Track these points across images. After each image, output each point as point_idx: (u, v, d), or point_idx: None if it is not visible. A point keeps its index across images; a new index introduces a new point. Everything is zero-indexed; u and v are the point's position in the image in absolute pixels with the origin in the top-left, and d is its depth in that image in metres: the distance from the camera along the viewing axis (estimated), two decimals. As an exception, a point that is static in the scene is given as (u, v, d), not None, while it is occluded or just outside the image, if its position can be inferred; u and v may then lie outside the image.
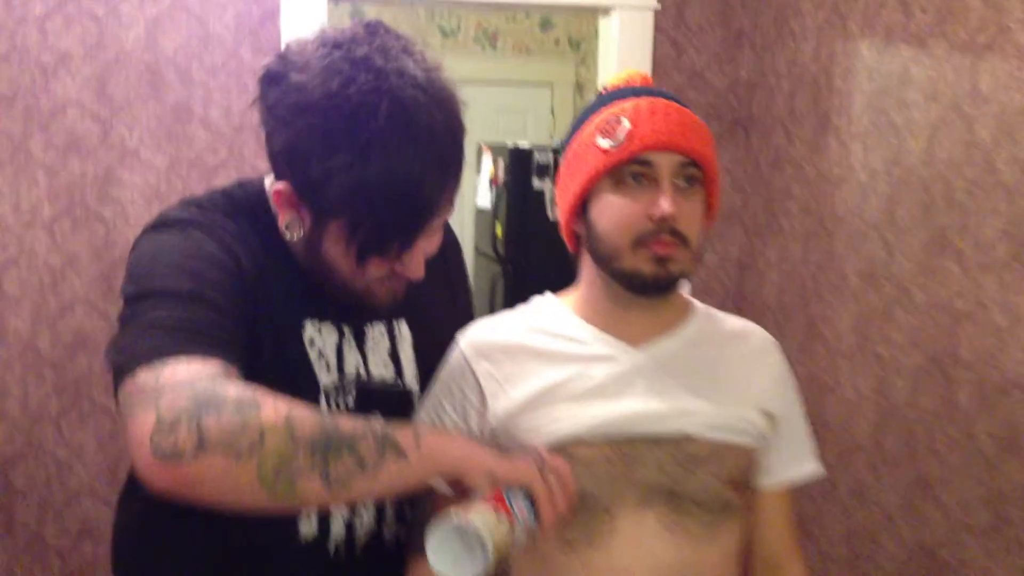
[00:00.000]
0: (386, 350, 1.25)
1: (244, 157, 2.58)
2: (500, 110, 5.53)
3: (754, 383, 1.27)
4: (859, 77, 2.26)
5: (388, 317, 1.25)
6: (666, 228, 1.16)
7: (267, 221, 1.16)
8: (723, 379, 1.25)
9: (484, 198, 4.51)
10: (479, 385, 1.23)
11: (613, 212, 1.18)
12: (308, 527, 1.18)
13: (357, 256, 1.10)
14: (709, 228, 1.26)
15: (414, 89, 1.05)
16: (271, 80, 1.09)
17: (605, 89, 1.29)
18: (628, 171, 1.17)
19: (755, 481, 1.29)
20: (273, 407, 0.94)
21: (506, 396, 1.21)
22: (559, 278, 1.43)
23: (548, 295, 1.33)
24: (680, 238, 1.17)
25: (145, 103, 2.51)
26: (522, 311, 1.32)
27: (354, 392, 1.20)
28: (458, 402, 1.24)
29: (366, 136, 1.02)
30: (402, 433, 0.98)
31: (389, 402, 1.23)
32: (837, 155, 2.36)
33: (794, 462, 1.33)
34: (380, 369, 1.23)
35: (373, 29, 1.09)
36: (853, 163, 2.29)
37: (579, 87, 5.48)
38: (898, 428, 2.11)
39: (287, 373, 1.12)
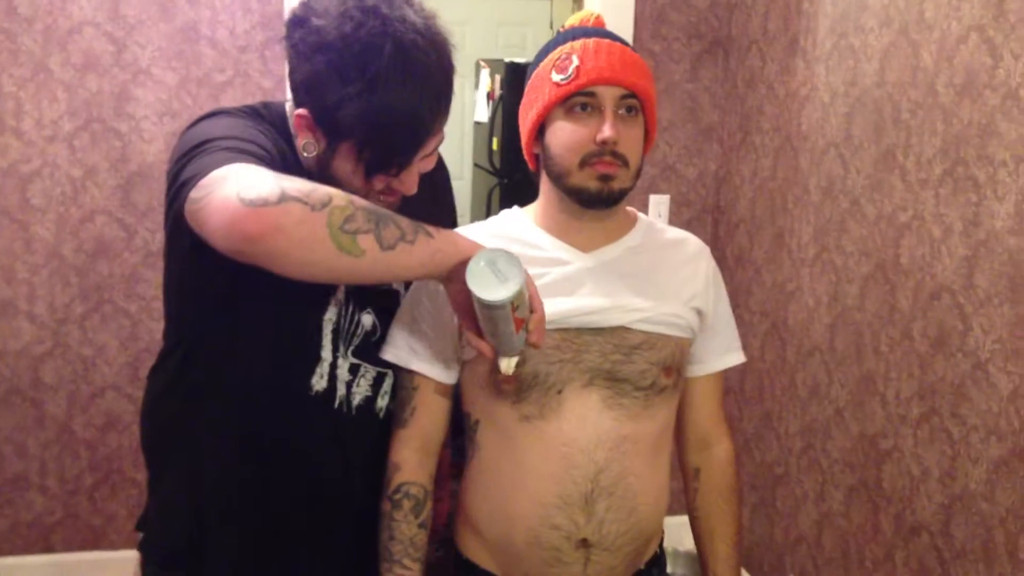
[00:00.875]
0: None
1: (249, 76, 2.74)
2: (500, 23, 5.61)
3: (687, 284, 1.48)
4: (824, 1, 2.40)
5: None
6: (607, 151, 1.35)
7: (287, 140, 1.35)
8: (660, 281, 1.46)
9: (481, 112, 4.65)
10: None
11: (564, 136, 1.37)
12: (320, 382, 1.40)
13: (364, 173, 1.29)
14: (648, 151, 1.45)
15: (414, 34, 1.24)
16: (295, 23, 1.27)
17: (563, 28, 1.47)
18: (576, 101, 1.36)
19: (688, 369, 1.50)
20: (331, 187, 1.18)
21: None
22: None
23: (515, 208, 1.53)
24: (621, 159, 1.36)
25: (156, 24, 2.67)
26: (493, 221, 1.52)
27: (354, 288, 1.41)
28: (433, 297, 1.44)
29: (372, 71, 1.22)
30: (428, 225, 1.22)
31: (381, 297, 1.45)
32: (803, 76, 2.52)
33: (722, 352, 1.54)
34: None
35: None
36: (817, 84, 2.45)
37: (577, 0, 5.56)
38: (848, 330, 2.32)
39: None
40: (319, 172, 1.32)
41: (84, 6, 2.63)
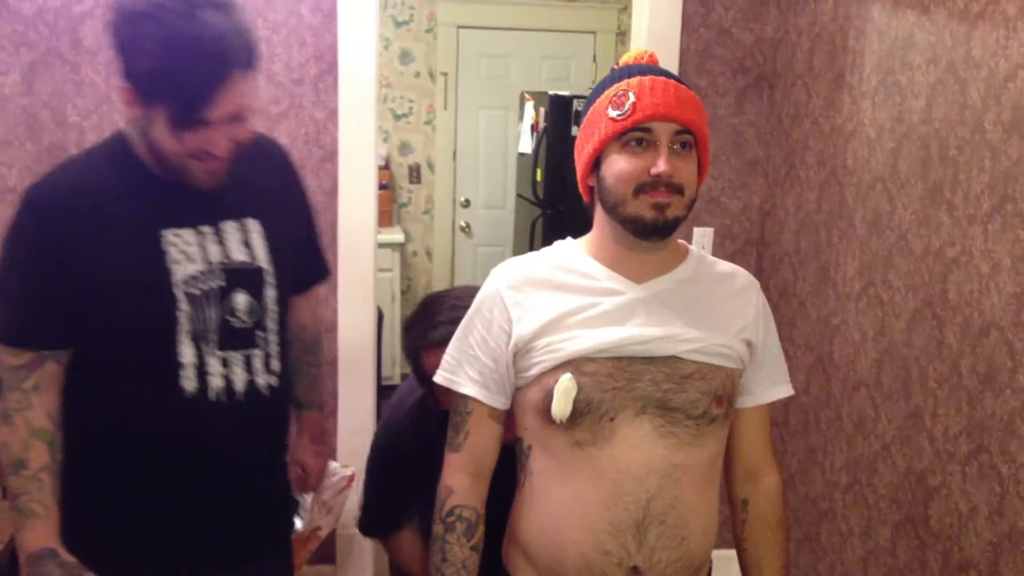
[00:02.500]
0: (239, 240, 1.61)
1: (303, 107, 2.81)
2: (544, 57, 5.69)
3: (737, 316, 1.50)
4: (870, 38, 2.43)
5: (239, 217, 1.62)
6: (662, 182, 1.39)
7: (126, 159, 1.54)
8: (710, 312, 1.49)
9: (526, 144, 4.70)
10: (507, 310, 1.48)
11: (619, 167, 1.41)
12: (188, 383, 1.55)
13: (174, 129, 1.45)
14: (701, 183, 1.49)
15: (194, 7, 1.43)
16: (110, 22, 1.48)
17: (617, 65, 1.51)
18: (632, 136, 1.40)
19: (737, 400, 1.52)
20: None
21: (529, 320, 1.45)
22: (593, 220, 1.65)
23: (568, 239, 1.57)
24: (675, 188, 1.40)
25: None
26: (546, 251, 1.57)
27: (222, 274, 1.56)
28: (487, 322, 1.49)
29: (153, 27, 1.41)
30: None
31: (247, 277, 1.61)
32: (849, 111, 2.53)
33: (770, 385, 1.56)
34: (238, 254, 1.60)
35: None
36: (863, 119, 2.46)
37: (621, 35, 5.62)
38: (895, 365, 2.31)
39: (140, 272, 1.51)
40: (146, 149, 1.51)
41: (146, 40, 2.71)
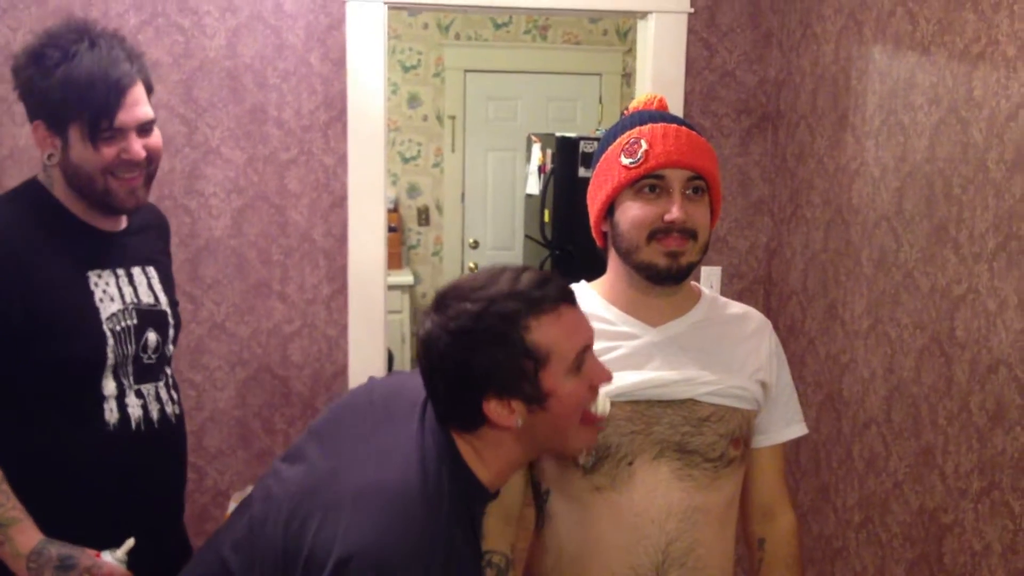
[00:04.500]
0: (147, 284, 1.78)
1: (312, 153, 2.85)
2: (550, 98, 5.75)
3: (751, 357, 1.52)
4: (872, 79, 2.46)
5: (142, 265, 1.79)
6: (676, 228, 1.41)
7: (46, 203, 1.66)
8: (725, 354, 1.50)
9: (533, 185, 4.74)
10: None
11: (633, 214, 1.44)
12: (111, 415, 1.65)
13: (91, 142, 1.59)
14: (713, 227, 1.51)
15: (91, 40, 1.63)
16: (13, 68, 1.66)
17: (627, 111, 1.54)
18: (645, 183, 1.43)
19: (752, 440, 1.53)
20: None
21: None
22: (602, 262, 1.67)
23: (582, 283, 1.59)
24: (689, 233, 1.42)
25: (226, 106, 2.80)
26: None
27: (135, 313, 1.71)
28: None
29: (59, 55, 1.59)
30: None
31: (154, 318, 1.77)
32: (853, 151, 2.56)
33: (785, 424, 1.57)
34: (147, 297, 1.76)
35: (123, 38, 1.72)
36: (867, 158, 2.49)
37: (626, 76, 5.68)
38: (905, 403, 2.32)
39: (75, 309, 1.62)
40: (67, 177, 1.64)
41: (159, 90, 2.76)
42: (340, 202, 2.88)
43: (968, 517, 2.06)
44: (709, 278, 3.09)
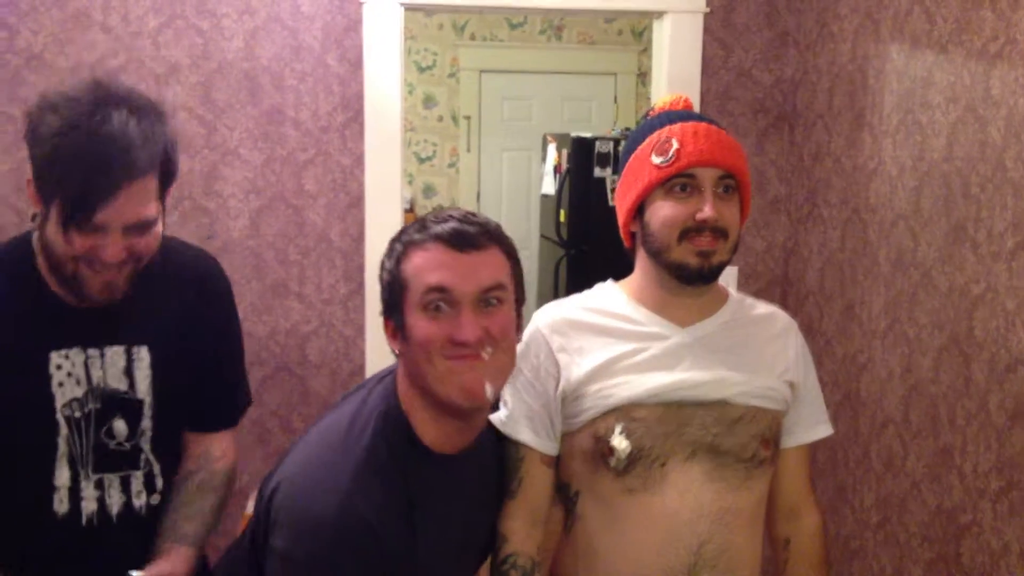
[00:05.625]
0: (121, 368, 1.53)
1: (329, 154, 2.87)
2: (565, 98, 5.76)
3: (779, 358, 1.52)
4: (889, 78, 2.45)
5: (128, 344, 1.54)
6: (708, 227, 1.41)
7: (24, 270, 1.48)
8: (753, 355, 1.50)
9: (548, 185, 4.75)
10: (553, 355, 1.49)
11: (664, 213, 1.44)
12: (61, 506, 1.49)
13: (63, 227, 1.39)
14: (743, 226, 1.51)
15: (105, 121, 1.39)
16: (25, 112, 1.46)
17: (653, 110, 1.54)
18: (676, 182, 1.43)
19: (780, 440, 1.53)
20: None
21: (577, 365, 1.47)
22: (618, 261, 1.67)
23: (609, 282, 1.59)
24: (720, 232, 1.42)
25: (244, 107, 2.81)
26: (587, 295, 1.58)
27: (100, 398, 1.50)
28: (534, 368, 1.50)
29: (58, 124, 1.38)
30: None
31: (123, 406, 1.53)
32: (870, 150, 2.55)
33: (811, 425, 1.58)
34: (115, 382, 1.52)
35: (140, 95, 1.50)
36: (884, 158, 2.48)
37: (641, 76, 5.68)
38: (923, 403, 2.31)
39: (24, 395, 1.46)
40: (43, 248, 1.46)
41: (179, 92, 2.79)
42: (357, 202, 2.89)
43: (986, 517, 2.06)
44: (725, 278, 3.07)
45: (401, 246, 1.35)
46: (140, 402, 1.54)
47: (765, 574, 1.69)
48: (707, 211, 1.41)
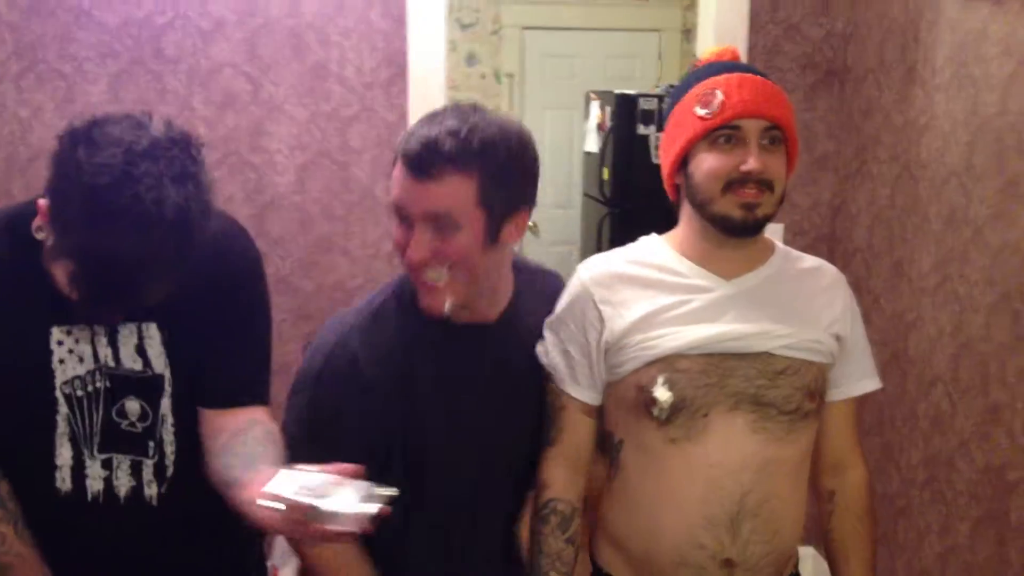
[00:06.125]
0: (134, 345, 1.42)
1: (374, 110, 2.87)
2: (609, 56, 5.70)
3: (826, 311, 1.51)
4: (942, 31, 2.40)
5: (139, 320, 1.42)
6: (752, 179, 1.40)
7: (26, 242, 1.34)
8: (799, 308, 1.49)
9: (592, 143, 4.72)
10: (598, 308, 1.49)
11: (708, 165, 1.42)
12: (63, 484, 1.43)
13: (69, 285, 1.28)
14: (789, 178, 1.49)
15: (109, 177, 1.19)
16: (70, 137, 1.25)
17: (699, 62, 1.52)
18: (721, 134, 1.42)
19: (826, 393, 1.53)
20: None
21: (620, 317, 1.47)
22: (661, 218, 1.66)
23: (653, 235, 1.58)
24: (766, 184, 1.41)
25: (289, 63, 2.83)
26: (631, 248, 1.58)
27: (108, 377, 1.41)
28: (579, 321, 1.50)
29: (65, 217, 1.22)
30: None
31: (138, 384, 1.44)
32: (922, 105, 2.51)
33: (859, 378, 1.57)
34: (129, 361, 1.42)
35: (172, 142, 1.25)
36: (936, 112, 2.43)
37: (686, 32, 5.60)
38: (973, 360, 2.28)
39: (24, 375, 1.38)
40: (46, 258, 1.34)
41: (224, 48, 2.80)
42: (402, 159, 2.89)
43: (1036, 475, 2.04)
44: (771, 235, 3.04)
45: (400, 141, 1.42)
46: (159, 377, 1.44)
47: (809, 527, 1.69)
48: (751, 163, 1.39)
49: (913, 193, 2.56)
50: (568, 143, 5.68)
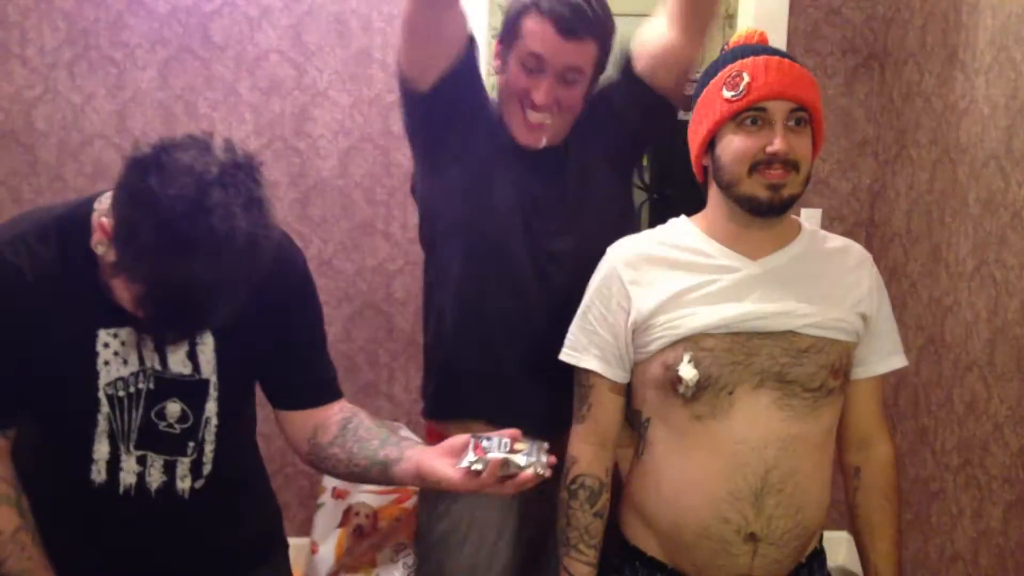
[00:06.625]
0: (184, 351, 1.45)
1: (416, 95, 2.92)
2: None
3: (852, 290, 1.53)
4: (984, 14, 2.39)
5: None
6: (778, 160, 1.42)
7: (78, 242, 1.36)
8: (825, 287, 1.52)
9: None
10: (625, 288, 1.53)
11: (735, 146, 1.45)
12: (98, 476, 1.45)
13: (136, 305, 1.29)
14: (815, 159, 1.51)
15: (184, 204, 1.20)
16: (139, 165, 1.25)
17: (727, 45, 1.55)
18: (747, 116, 1.45)
19: (852, 371, 1.55)
20: None
21: (647, 297, 1.51)
22: (700, 204, 1.68)
23: (683, 217, 1.62)
24: (792, 164, 1.43)
25: (333, 49, 2.88)
26: (660, 229, 1.61)
27: (153, 379, 1.43)
28: (606, 300, 1.55)
29: (139, 245, 1.22)
30: None
31: (183, 387, 1.46)
32: (963, 88, 2.50)
33: (885, 356, 1.59)
34: (177, 366, 1.45)
35: (238, 167, 1.26)
36: (976, 96, 2.43)
37: (728, 18, 5.57)
38: (1009, 345, 2.28)
39: (71, 373, 1.40)
40: (104, 271, 1.34)
41: (270, 35, 2.87)
42: (442, 143, 2.94)
43: (1070, 459, 2.04)
44: (809, 220, 3.05)
45: (529, 2, 1.67)
46: (205, 382, 1.47)
47: (837, 502, 1.72)
48: (777, 144, 1.41)
49: (952, 178, 2.56)
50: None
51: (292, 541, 2.93)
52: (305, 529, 2.89)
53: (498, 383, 1.75)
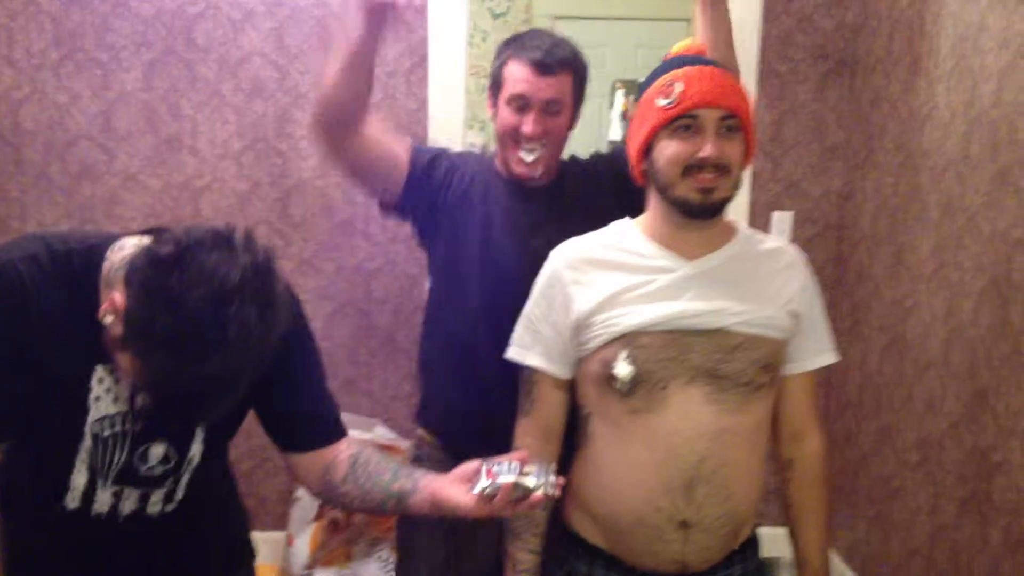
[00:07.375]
0: None
1: (396, 98, 2.99)
2: (639, 45, 5.75)
3: (783, 289, 1.60)
4: (945, 23, 2.45)
5: None
6: (709, 164, 1.49)
7: (83, 280, 1.37)
8: (758, 286, 1.59)
9: (616, 131, 4.79)
10: (567, 288, 1.61)
11: (669, 152, 1.53)
12: (72, 502, 1.47)
13: (137, 386, 1.32)
14: (747, 164, 1.58)
15: (225, 342, 1.20)
16: (161, 261, 1.23)
17: (666, 57, 1.62)
18: (680, 123, 1.51)
19: (784, 368, 1.62)
20: None
21: (588, 296, 1.58)
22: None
23: (626, 219, 1.69)
24: (722, 169, 1.50)
25: (315, 52, 2.95)
26: (604, 232, 1.69)
27: (141, 420, 1.43)
28: (550, 300, 1.63)
29: (149, 337, 1.21)
30: None
31: (173, 430, 1.48)
32: (925, 95, 2.56)
33: (816, 353, 1.66)
34: None
35: (256, 271, 1.25)
36: (938, 103, 2.49)
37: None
38: (962, 345, 2.35)
39: (61, 408, 1.40)
40: (108, 339, 1.32)
41: (253, 38, 2.93)
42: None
43: (1016, 456, 2.10)
44: (780, 223, 3.13)
45: (508, 52, 1.96)
46: (191, 429, 1.49)
47: (770, 493, 1.78)
48: (707, 149, 1.48)
49: (914, 182, 2.62)
50: (595, 131, 5.75)
51: (270, 534, 3.01)
52: (283, 523, 2.96)
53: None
